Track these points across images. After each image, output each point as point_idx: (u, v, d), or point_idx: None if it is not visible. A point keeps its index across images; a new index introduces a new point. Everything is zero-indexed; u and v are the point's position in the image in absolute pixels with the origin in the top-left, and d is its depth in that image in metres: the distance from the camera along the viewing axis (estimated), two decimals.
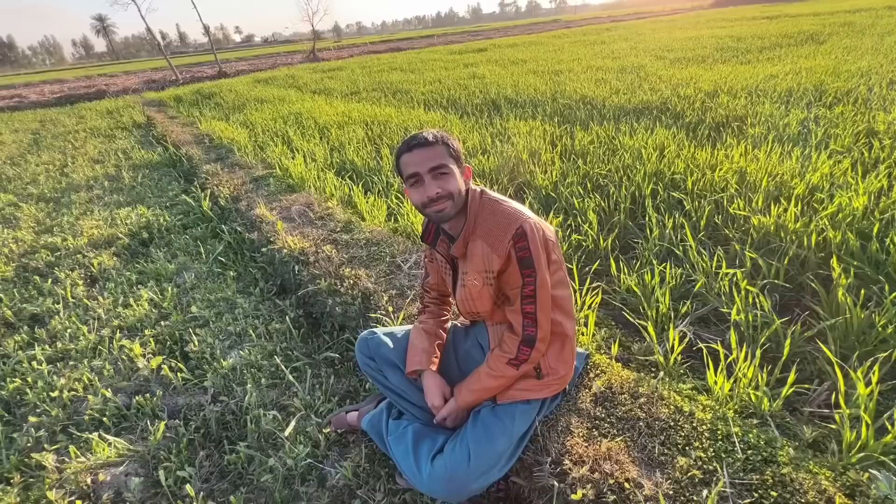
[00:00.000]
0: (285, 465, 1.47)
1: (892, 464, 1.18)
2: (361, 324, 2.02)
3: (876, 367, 1.38)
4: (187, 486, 1.39)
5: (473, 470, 1.18)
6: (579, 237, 2.52)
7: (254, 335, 2.07)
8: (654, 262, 2.17)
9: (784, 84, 5.18)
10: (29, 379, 1.95)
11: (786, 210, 2.33)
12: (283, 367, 1.83)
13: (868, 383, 1.36)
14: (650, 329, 1.67)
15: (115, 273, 2.84)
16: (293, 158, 4.38)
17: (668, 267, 2.07)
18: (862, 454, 1.20)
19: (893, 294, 1.69)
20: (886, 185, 2.51)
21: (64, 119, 10.17)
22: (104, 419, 1.71)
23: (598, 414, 1.40)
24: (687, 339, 1.76)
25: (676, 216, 2.56)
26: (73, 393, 1.84)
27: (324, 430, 1.58)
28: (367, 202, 3.16)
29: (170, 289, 2.53)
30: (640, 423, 1.35)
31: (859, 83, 4.88)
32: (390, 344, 1.51)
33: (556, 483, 1.24)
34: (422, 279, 1.60)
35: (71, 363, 2.04)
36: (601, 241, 2.47)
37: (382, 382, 1.50)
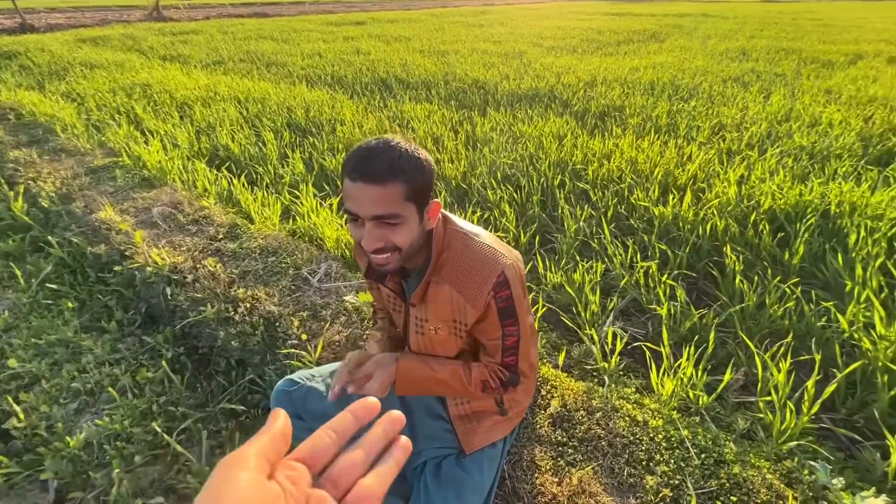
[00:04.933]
0: None
1: (819, 448, 1.29)
2: (269, 359, 1.65)
3: (787, 352, 1.52)
4: None
5: None
6: (500, 234, 2.43)
7: (114, 391, 1.55)
8: (578, 257, 2.17)
9: (646, 77, 5.77)
10: None
11: (679, 200, 2.53)
12: (163, 434, 1.39)
13: (780, 369, 1.50)
14: (594, 336, 1.64)
15: None
16: (147, 143, 3.54)
17: (593, 263, 2.08)
18: (793, 443, 1.30)
19: (777, 278, 1.92)
20: (745, 174, 2.89)
21: None
22: None
23: (560, 438, 1.31)
24: (619, 337, 1.79)
25: (586, 207, 2.62)
26: None
27: None
28: (254, 199, 2.67)
29: None
30: (603, 443, 1.29)
31: (701, 80, 5.66)
32: (322, 390, 1.21)
33: None
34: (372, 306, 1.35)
35: None
36: (521, 235, 2.42)
37: None
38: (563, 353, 1.62)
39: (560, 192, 2.79)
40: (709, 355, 1.62)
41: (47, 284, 2.13)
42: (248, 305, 1.83)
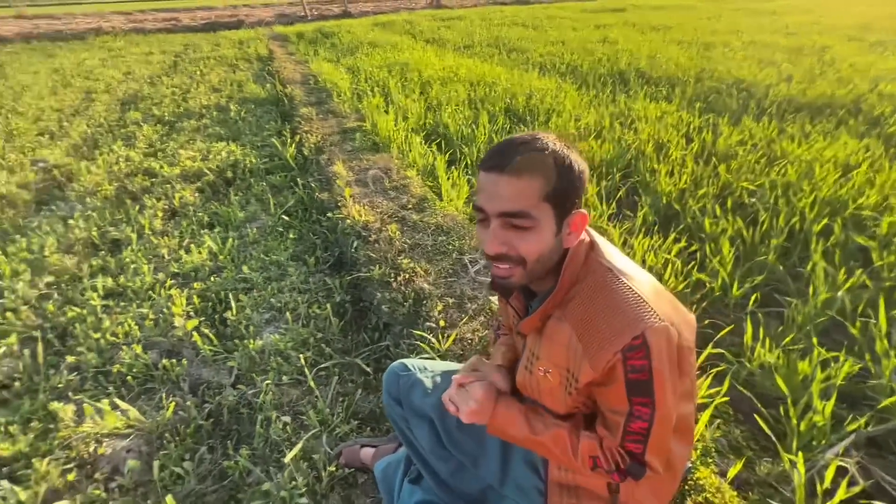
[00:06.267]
0: (280, 495, 1.25)
1: None
2: (406, 333, 1.71)
3: None
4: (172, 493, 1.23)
5: None
6: (704, 277, 1.92)
7: (290, 316, 1.86)
8: (815, 340, 1.54)
9: None
10: (84, 311, 1.96)
11: None
12: (306, 367, 1.59)
13: None
14: (800, 464, 1.12)
15: (191, 210, 2.84)
16: (387, 113, 4.11)
17: (840, 355, 1.44)
18: None
19: None
20: None
21: (203, 45, 10.99)
22: (129, 378, 1.64)
23: None
24: (852, 479, 1.19)
25: (857, 272, 1.82)
26: (114, 339, 1.81)
27: (330, 467, 1.32)
28: (448, 178, 2.79)
29: (231, 240, 2.44)
30: None
31: None
32: (427, 386, 1.16)
33: None
34: (496, 316, 1.24)
35: (122, 303, 2.03)
36: (734, 287, 1.85)
37: (406, 436, 1.18)
38: (741, 463, 1.17)
39: (818, 243, 2.02)
40: None
41: (284, 216, 2.70)
42: (406, 277, 1.92)
